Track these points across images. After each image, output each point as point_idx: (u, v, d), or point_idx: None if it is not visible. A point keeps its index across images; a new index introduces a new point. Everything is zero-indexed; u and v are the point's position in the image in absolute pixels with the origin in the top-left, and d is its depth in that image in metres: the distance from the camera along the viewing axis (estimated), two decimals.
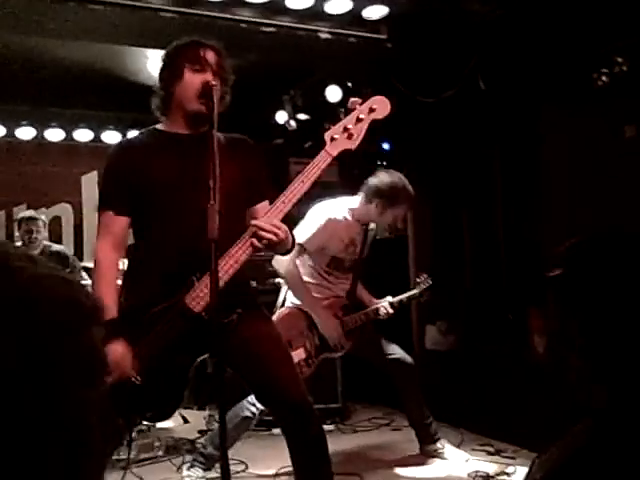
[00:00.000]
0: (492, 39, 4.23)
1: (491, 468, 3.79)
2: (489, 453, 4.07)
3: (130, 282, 2.51)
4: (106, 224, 2.47)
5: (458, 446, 4.12)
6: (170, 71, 2.47)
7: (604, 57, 4.03)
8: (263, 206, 2.59)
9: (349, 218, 3.76)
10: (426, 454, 4.01)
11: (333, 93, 5.30)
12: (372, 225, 3.98)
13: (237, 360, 2.49)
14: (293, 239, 2.53)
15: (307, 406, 2.54)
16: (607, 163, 4.11)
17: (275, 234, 2.32)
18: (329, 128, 2.49)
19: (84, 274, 4.94)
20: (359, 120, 2.46)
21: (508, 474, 3.68)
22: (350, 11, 4.18)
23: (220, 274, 2.23)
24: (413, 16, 4.22)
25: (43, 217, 5.33)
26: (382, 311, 3.88)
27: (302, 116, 5.72)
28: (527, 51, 4.17)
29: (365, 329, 3.91)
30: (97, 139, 6.28)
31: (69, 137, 6.26)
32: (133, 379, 2.29)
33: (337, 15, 4.21)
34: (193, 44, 2.46)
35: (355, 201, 3.79)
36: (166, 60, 2.50)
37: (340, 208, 3.76)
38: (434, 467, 3.92)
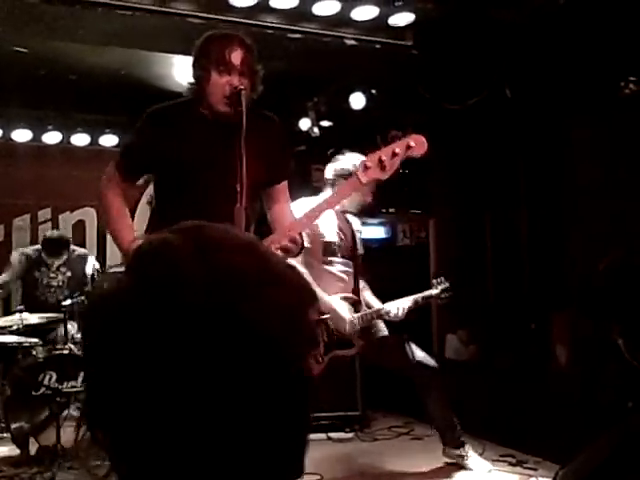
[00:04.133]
0: (519, 47, 4.21)
1: (513, 479, 3.74)
2: (511, 464, 4.01)
3: None
4: (117, 181, 2.56)
5: (479, 456, 4.08)
6: (198, 71, 2.50)
7: (632, 65, 3.99)
8: (283, 186, 2.72)
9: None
10: (449, 457, 3.95)
11: (357, 100, 5.31)
12: (357, 226, 4.07)
13: None
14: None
15: None
16: (633, 170, 4.07)
17: (298, 247, 2.47)
18: (367, 154, 2.68)
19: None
20: (395, 154, 2.62)
21: None
22: (376, 18, 4.18)
23: None
24: (439, 23, 4.21)
25: (68, 235, 5.39)
26: (393, 311, 3.84)
27: (325, 123, 5.73)
28: (554, 59, 4.15)
29: (382, 338, 3.90)
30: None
31: (95, 142, 6.32)
32: None
33: (363, 22, 4.22)
34: (219, 42, 2.46)
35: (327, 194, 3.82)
36: (195, 57, 2.53)
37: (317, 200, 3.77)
38: (456, 478, 3.88)
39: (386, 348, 3.90)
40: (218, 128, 2.48)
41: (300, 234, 2.51)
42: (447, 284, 4.01)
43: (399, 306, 3.86)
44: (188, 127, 2.50)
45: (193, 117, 2.53)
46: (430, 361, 3.93)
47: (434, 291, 3.99)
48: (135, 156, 2.56)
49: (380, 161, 2.59)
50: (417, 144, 2.64)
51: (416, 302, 3.92)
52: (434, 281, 4.07)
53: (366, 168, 2.60)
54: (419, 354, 3.91)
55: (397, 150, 2.60)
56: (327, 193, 3.82)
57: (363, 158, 3.75)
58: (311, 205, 3.57)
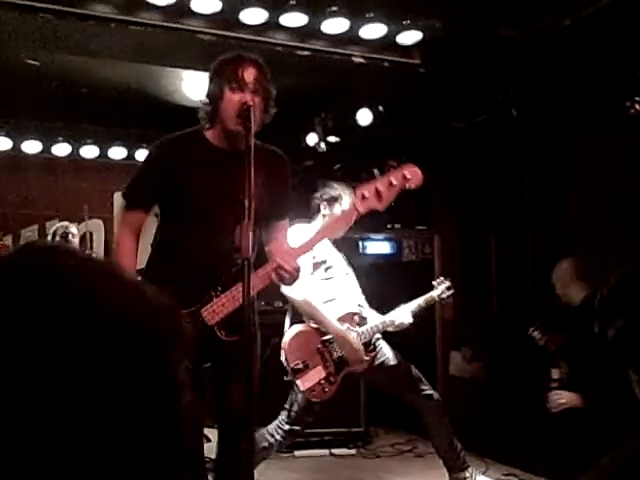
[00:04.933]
0: (525, 66, 4.24)
1: None
2: None
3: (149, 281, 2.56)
4: (128, 215, 2.65)
5: (483, 475, 4.07)
6: (213, 89, 2.55)
7: (637, 85, 4.02)
8: (282, 225, 2.75)
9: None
10: None
11: (364, 117, 5.34)
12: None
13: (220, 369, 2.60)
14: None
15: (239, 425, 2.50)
16: (638, 189, 4.08)
17: (293, 275, 2.50)
18: (362, 183, 2.70)
19: None
20: (391, 185, 2.65)
21: None
22: (384, 36, 4.20)
23: (236, 296, 2.39)
24: (447, 42, 4.24)
25: (74, 229, 5.46)
26: (398, 319, 3.83)
27: (332, 139, 5.76)
28: (559, 78, 4.18)
29: (390, 367, 3.90)
30: (130, 157, 6.38)
31: (103, 154, 6.37)
32: None
33: (371, 40, 4.24)
34: (233, 62, 2.53)
35: (317, 223, 3.86)
36: (210, 77, 2.59)
37: (311, 226, 3.80)
38: None
39: (394, 377, 3.90)
40: (225, 157, 2.53)
41: (296, 264, 2.52)
42: (448, 282, 3.99)
43: (403, 313, 3.85)
44: (195, 156, 2.55)
45: (200, 146, 2.59)
46: (434, 393, 3.92)
47: (436, 292, 3.97)
48: (143, 184, 2.62)
49: (377, 191, 2.63)
50: (413, 176, 2.69)
51: (419, 306, 3.90)
52: (435, 282, 4.03)
53: (363, 198, 2.63)
54: (424, 386, 3.91)
55: (394, 181, 2.65)
56: (318, 219, 3.88)
57: (349, 190, 3.84)
58: (306, 231, 3.61)
